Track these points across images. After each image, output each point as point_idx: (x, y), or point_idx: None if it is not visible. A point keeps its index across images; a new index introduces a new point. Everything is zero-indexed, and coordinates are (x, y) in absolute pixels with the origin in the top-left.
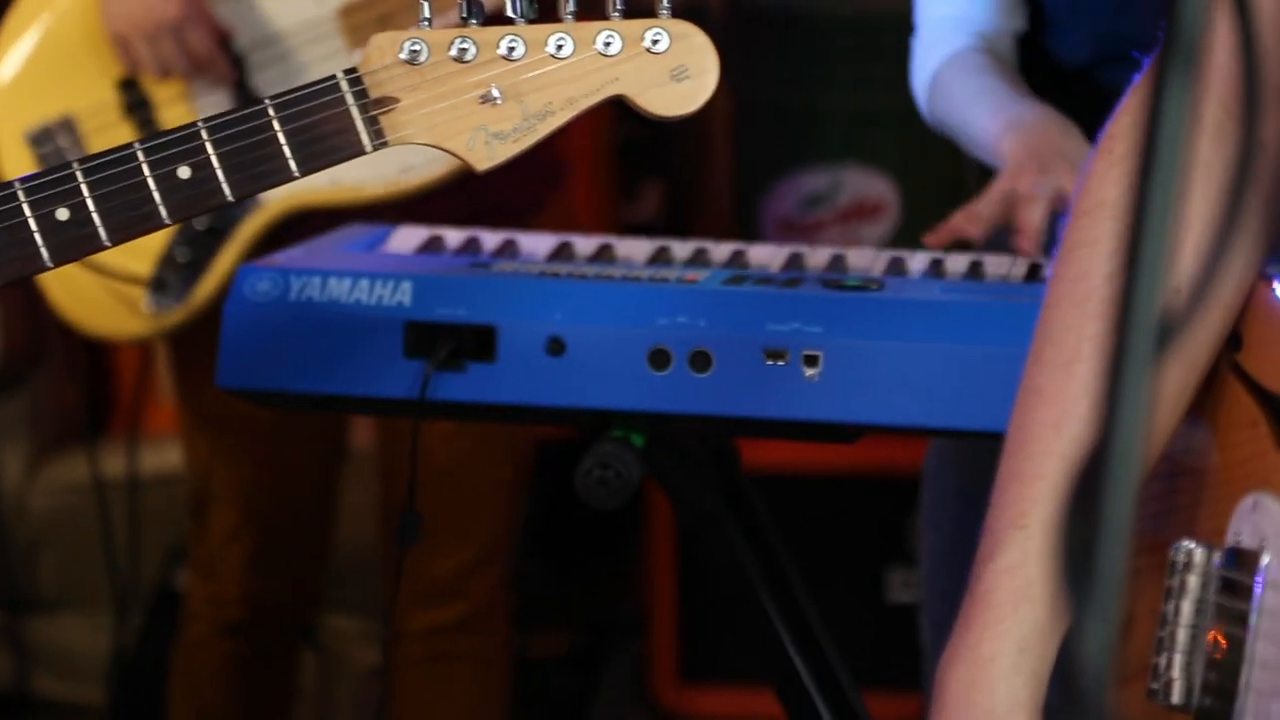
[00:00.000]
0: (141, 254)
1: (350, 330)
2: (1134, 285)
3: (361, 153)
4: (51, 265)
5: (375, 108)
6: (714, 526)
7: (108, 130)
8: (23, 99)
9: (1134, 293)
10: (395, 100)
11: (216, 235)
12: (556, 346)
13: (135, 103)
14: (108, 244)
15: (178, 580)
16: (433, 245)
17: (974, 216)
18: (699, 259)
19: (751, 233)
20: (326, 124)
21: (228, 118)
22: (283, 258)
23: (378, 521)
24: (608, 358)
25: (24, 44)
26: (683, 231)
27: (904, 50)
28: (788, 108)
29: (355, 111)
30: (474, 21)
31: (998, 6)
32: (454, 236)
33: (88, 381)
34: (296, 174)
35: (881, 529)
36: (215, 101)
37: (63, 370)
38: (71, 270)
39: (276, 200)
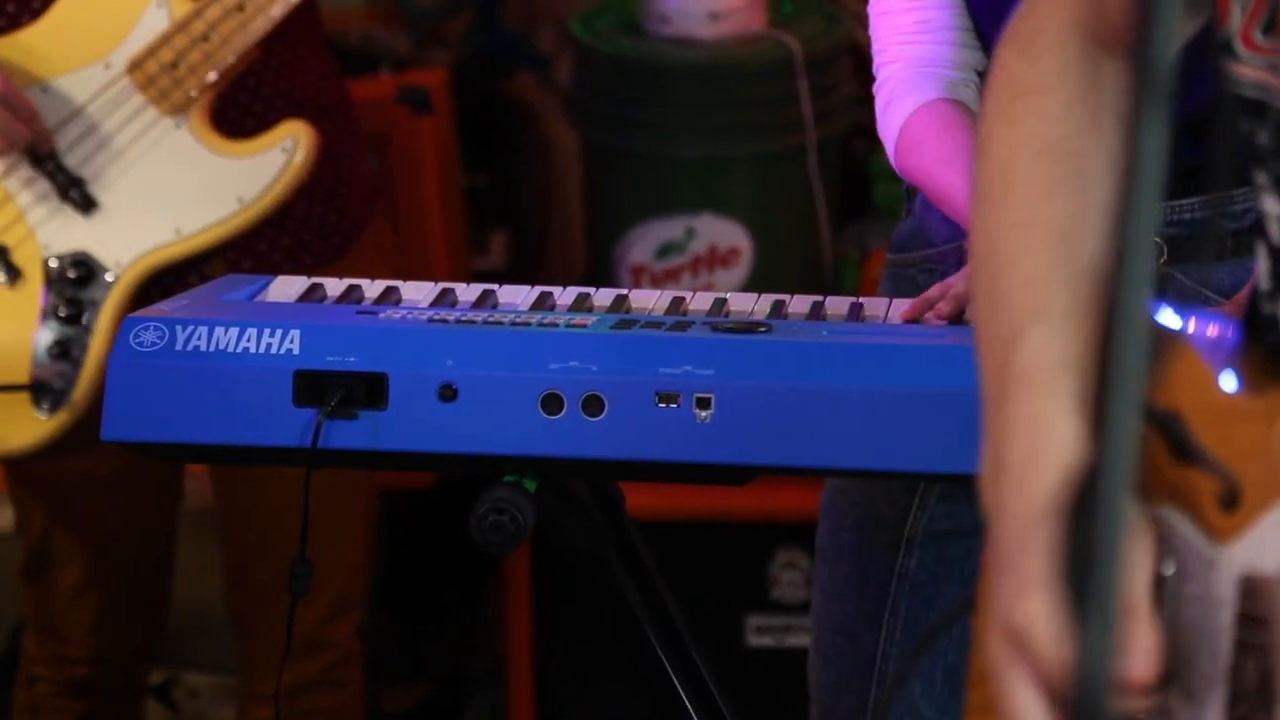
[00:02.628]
0: (12, 365)
1: (239, 379)
2: (1122, 304)
3: None
4: None
5: None
6: (603, 571)
7: None
8: None
9: (1122, 311)
10: None
11: (80, 327)
12: (448, 393)
13: None
14: None
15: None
16: (313, 294)
17: (954, 298)
18: (582, 305)
19: (604, 281)
20: None
21: None
22: (167, 307)
23: (229, 581)
24: (500, 403)
25: None
26: (531, 281)
27: (754, 98)
28: (640, 156)
29: None
30: None
31: (962, 42)
32: (333, 285)
33: None
34: None
35: (741, 574)
36: (36, 191)
37: None
38: None
39: (127, 274)
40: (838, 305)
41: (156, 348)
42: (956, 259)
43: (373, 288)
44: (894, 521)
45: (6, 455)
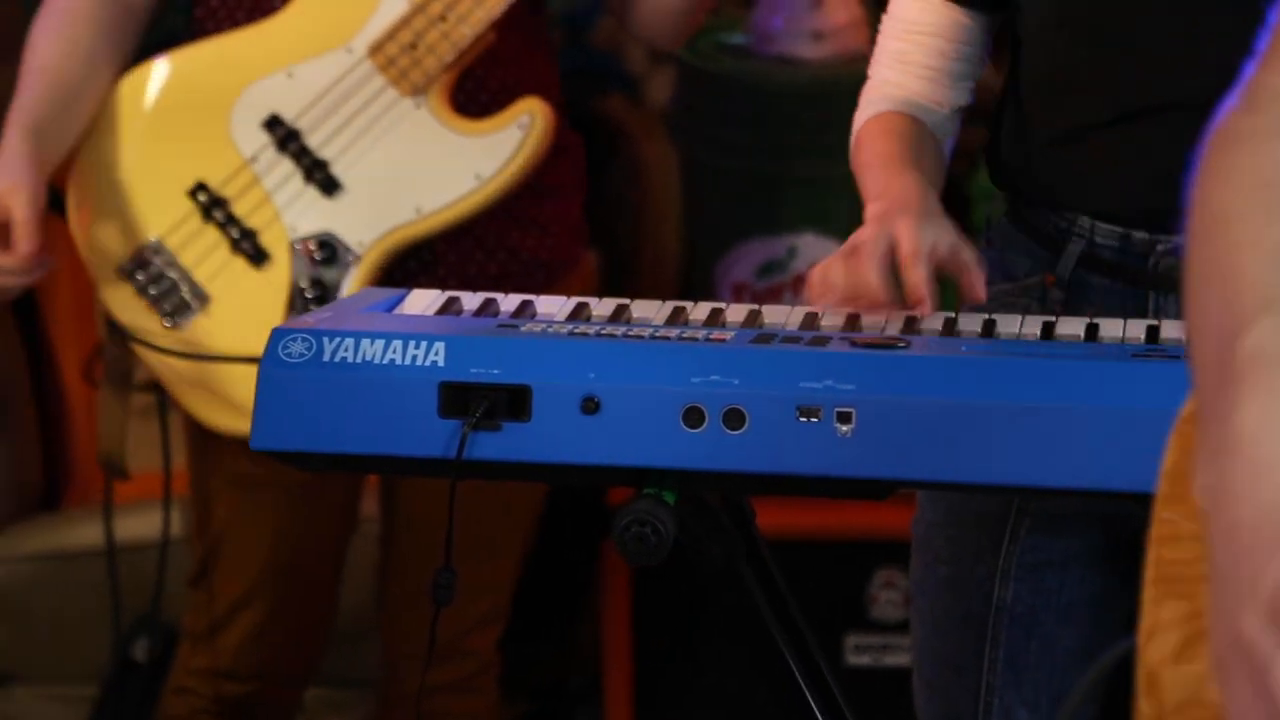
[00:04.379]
0: (264, 330)
1: (385, 391)
2: None
3: None
4: None
5: None
6: (736, 585)
7: (195, 238)
8: (108, 238)
9: None
10: None
11: (326, 301)
12: (591, 405)
13: (210, 203)
14: None
15: (138, 652)
16: (450, 307)
17: (827, 286)
18: (716, 320)
19: (702, 298)
20: None
21: None
22: (313, 319)
23: (384, 584)
24: (642, 416)
25: (94, 189)
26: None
27: None
28: (743, 175)
29: None
30: None
31: (935, 80)
32: (470, 298)
33: (43, 453)
34: None
35: (839, 593)
36: (282, 174)
37: (19, 441)
38: (205, 374)
39: (370, 253)
40: (970, 322)
41: (304, 359)
42: (1039, 293)
43: (508, 301)
44: (988, 554)
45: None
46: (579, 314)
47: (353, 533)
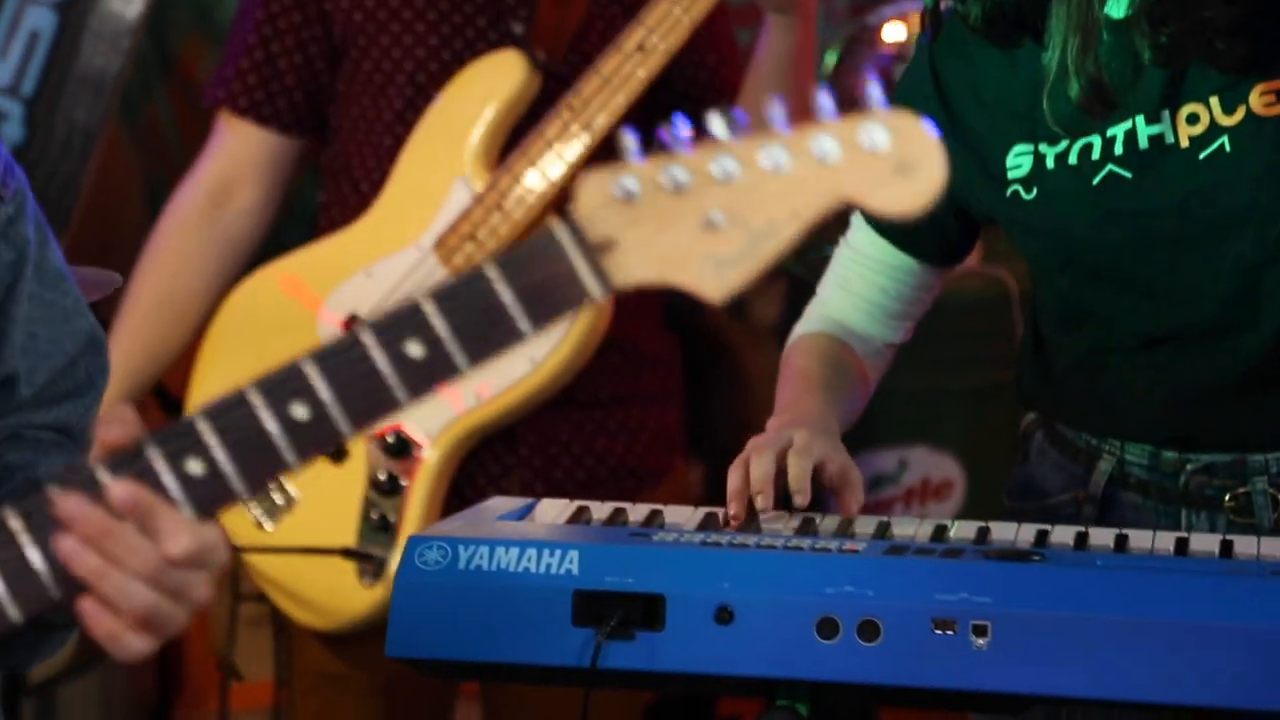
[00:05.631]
0: (342, 524)
1: (519, 599)
2: None
3: (589, 299)
4: (296, 466)
5: (597, 252)
6: None
7: None
8: None
9: None
10: (615, 241)
11: (398, 499)
12: (725, 615)
13: None
14: (348, 434)
15: None
16: (581, 516)
17: (732, 495)
18: (846, 530)
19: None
20: (550, 278)
21: (448, 287)
22: (447, 527)
23: None
24: (776, 627)
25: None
26: None
27: (968, 332)
28: None
29: (577, 259)
30: (680, 148)
31: (869, 313)
32: (599, 508)
33: (156, 666)
34: (528, 332)
35: None
36: None
37: None
38: (284, 571)
39: (437, 444)
40: (1102, 536)
41: (440, 566)
42: (1072, 509)
43: (637, 511)
44: None
45: (338, 630)
46: (709, 524)
47: None
